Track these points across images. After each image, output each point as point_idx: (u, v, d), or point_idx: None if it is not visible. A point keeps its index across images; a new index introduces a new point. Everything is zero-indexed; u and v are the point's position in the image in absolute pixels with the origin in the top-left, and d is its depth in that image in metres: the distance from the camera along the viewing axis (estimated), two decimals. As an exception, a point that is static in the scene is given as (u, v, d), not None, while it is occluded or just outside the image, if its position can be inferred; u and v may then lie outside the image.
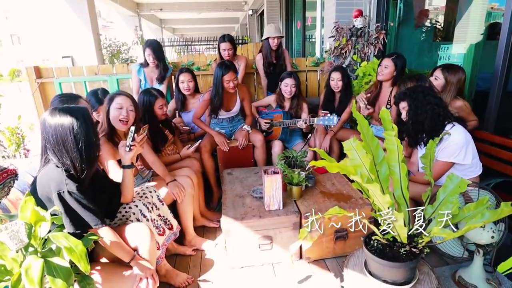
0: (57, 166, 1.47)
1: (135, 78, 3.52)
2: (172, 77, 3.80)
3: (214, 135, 3.02)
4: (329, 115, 2.92)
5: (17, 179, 1.83)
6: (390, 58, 2.94)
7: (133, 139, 1.82)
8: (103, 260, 1.70)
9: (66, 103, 2.02)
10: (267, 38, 3.53)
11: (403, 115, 2.17)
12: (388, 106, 2.99)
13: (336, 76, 3.14)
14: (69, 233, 1.40)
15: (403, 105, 2.16)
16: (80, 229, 1.45)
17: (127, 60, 8.27)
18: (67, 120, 1.45)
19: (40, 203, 1.44)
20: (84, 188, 1.50)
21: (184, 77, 3.16)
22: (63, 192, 1.42)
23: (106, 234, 1.54)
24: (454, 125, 2.04)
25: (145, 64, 3.49)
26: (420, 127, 2.08)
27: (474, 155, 2.07)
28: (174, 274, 2.04)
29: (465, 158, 2.02)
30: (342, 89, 3.16)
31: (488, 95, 2.58)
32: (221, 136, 3.03)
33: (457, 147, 2.00)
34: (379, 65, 3.01)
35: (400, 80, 2.80)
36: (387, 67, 2.93)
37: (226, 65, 2.90)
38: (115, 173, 1.99)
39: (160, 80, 3.48)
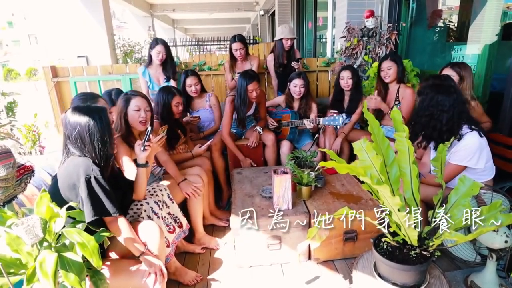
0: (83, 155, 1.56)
1: (143, 80, 3.55)
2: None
3: (242, 160, 3.04)
4: (334, 115, 2.91)
5: (33, 175, 1.87)
6: (389, 59, 2.97)
7: (148, 139, 1.85)
8: (113, 255, 1.73)
9: (86, 101, 2.07)
10: (281, 39, 3.53)
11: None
12: (397, 102, 2.99)
13: (346, 74, 3.14)
14: (87, 226, 1.45)
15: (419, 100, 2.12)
16: (99, 216, 1.51)
17: (140, 60, 8.37)
18: (84, 119, 1.54)
19: (57, 198, 1.48)
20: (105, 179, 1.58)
21: (191, 81, 3.18)
22: (90, 177, 1.50)
23: (121, 224, 1.59)
24: (471, 130, 1.98)
25: (148, 64, 3.49)
26: (435, 124, 2.02)
27: (488, 159, 2.02)
28: (183, 272, 2.06)
29: (477, 163, 1.97)
30: (352, 87, 3.17)
31: (503, 96, 2.54)
32: (247, 161, 3.05)
33: (470, 152, 1.95)
34: (380, 69, 3.01)
35: (424, 80, 2.73)
36: (390, 68, 2.95)
37: (250, 75, 2.90)
38: (130, 171, 2.02)
39: (173, 76, 3.49)
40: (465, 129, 1.99)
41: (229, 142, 3.01)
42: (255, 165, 3.05)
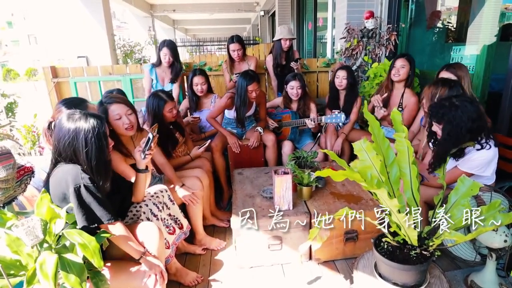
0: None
1: (147, 78, 3.55)
2: (185, 77, 3.83)
3: (227, 135, 3.03)
4: (336, 112, 2.91)
5: (33, 176, 1.87)
6: (404, 58, 2.94)
7: (150, 148, 1.82)
8: (113, 256, 1.73)
9: (72, 107, 1.94)
10: (279, 40, 3.53)
11: (436, 129, 1.99)
12: (400, 109, 2.97)
13: (341, 74, 3.15)
14: (81, 229, 1.44)
15: (439, 125, 1.95)
16: (93, 225, 1.47)
17: (140, 60, 8.37)
18: (80, 131, 1.46)
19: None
20: (104, 189, 1.54)
21: (198, 80, 3.20)
22: (80, 186, 1.44)
23: (118, 229, 1.56)
24: (488, 141, 1.91)
25: (157, 64, 3.51)
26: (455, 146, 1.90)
27: (495, 168, 2.02)
28: (184, 273, 2.06)
29: (485, 171, 1.97)
30: (347, 88, 3.17)
31: (501, 97, 2.54)
32: (233, 137, 3.03)
33: (483, 163, 1.94)
34: (392, 66, 2.99)
35: (430, 83, 2.48)
36: (404, 67, 2.92)
37: (250, 76, 2.90)
38: (129, 176, 2.01)
39: (174, 79, 3.51)
40: (482, 139, 1.93)
41: (214, 123, 3.06)
42: (240, 143, 3.05)
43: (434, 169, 1.94)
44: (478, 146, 1.92)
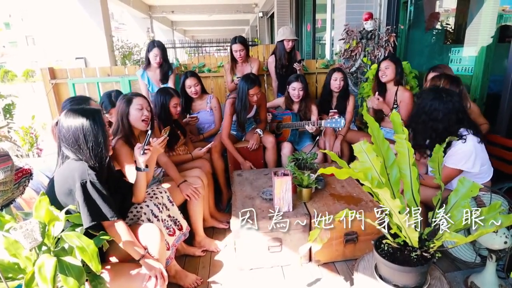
0: (78, 159, 1.55)
1: (142, 83, 3.52)
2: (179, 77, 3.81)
3: (241, 163, 3.02)
4: (336, 117, 2.92)
5: (31, 179, 1.85)
6: (388, 59, 3.01)
7: (148, 143, 1.84)
8: (113, 259, 1.72)
9: (77, 105, 2.06)
10: (282, 41, 3.52)
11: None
12: (395, 105, 2.99)
13: (339, 76, 3.17)
14: (86, 230, 1.45)
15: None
16: (97, 221, 1.49)
17: (138, 61, 8.36)
18: (78, 121, 1.53)
19: (54, 202, 1.47)
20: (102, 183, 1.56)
21: (190, 82, 3.17)
22: (86, 182, 1.49)
23: (120, 228, 1.58)
24: (468, 133, 1.98)
25: (146, 66, 3.47)
26: (430, 132, 2.03)
27: (483, 163, 2.03)
28: (183, 274, 2.05)
29: (473, 167, 1.98)
30: (342, 89, 3.21)
31: (500, 98, 2.55)
32: (247, 165, 3.03)
33: (464, 155, 1.96)
34: (378, 69, 3.04)
35: (435, 77, 2.54)
36: (388, 67, 2.97)
37: (252, 79, 2.90)
38: (132, 175, 2.01)
39: (164, 79, 3.47)
40: (462, 131, 2.00)
41: (229, 145, 3.00)
42: (254, 168, 3.04)
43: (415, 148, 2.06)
44: (460, 141, 1.98)
